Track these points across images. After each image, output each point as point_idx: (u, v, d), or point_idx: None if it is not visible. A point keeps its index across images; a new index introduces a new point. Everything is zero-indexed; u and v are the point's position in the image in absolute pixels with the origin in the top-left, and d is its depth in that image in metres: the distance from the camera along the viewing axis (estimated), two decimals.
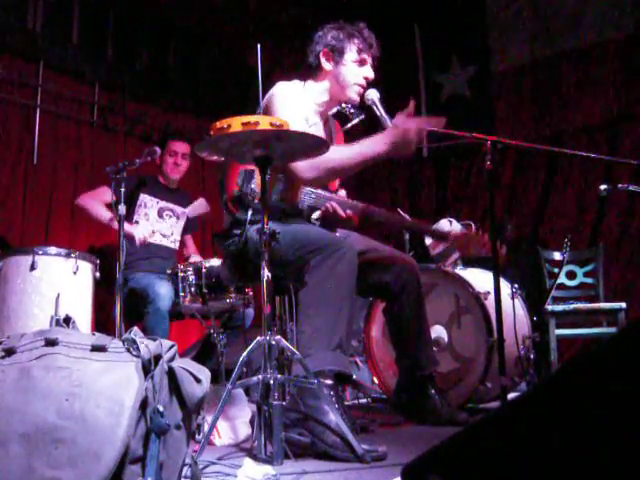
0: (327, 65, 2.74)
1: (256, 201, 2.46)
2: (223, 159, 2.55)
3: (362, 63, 2.72)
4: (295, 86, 2.73)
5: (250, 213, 2.47)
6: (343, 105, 2.73)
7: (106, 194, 3.82)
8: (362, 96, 2.69)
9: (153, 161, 3.76)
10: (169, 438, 1.46)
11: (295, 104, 2.58)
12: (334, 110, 2.77)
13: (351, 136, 2.99)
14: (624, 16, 5.47)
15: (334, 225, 2.67)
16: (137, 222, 3.89)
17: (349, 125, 2.78)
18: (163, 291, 3.38)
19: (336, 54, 2.71)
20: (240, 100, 5.52)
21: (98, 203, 3.82)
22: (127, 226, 3.46)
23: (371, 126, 2.77)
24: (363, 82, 2.71)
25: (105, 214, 3.77)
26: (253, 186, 2.52)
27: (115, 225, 3.69)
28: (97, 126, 4.93)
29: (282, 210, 2.51)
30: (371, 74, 2.73)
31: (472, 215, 5.30)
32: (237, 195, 2.52)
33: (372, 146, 2.44)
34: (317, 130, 2.66)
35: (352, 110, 2.72)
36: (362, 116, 2.67)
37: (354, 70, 2.71)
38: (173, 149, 4.03)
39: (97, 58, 4.94)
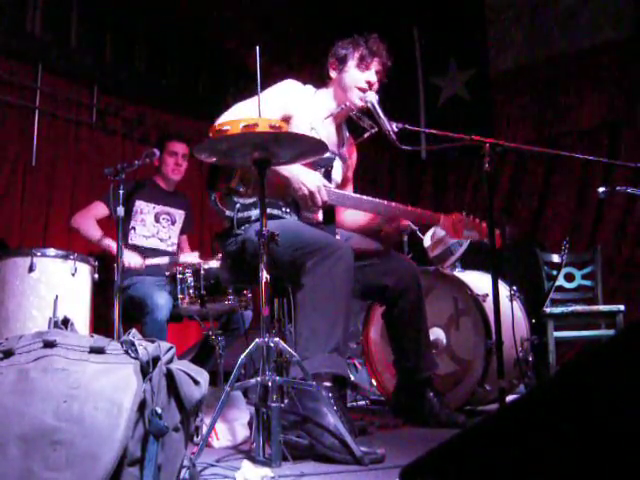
0: (333, 73, 2.84)
1: (244, 197, 2.51)
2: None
3: (364, 69, 2.75)
4: (298, 87, 2.78)
5: (237, 207, 2.49)
6: (349, 103, 2.74)
7: (100, 209, 3.83)
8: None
9: (151, 163, 3.76)
10: (167, 440, 1.46)
11: (274, 98, 2.61)
12: (338, 109, 2.78)
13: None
14: (622, 18, 5.48)
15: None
16: (134, 228, 3.89)
17: (361, 138, 2.81)
18: (162, 302, 3.37)
19: (340, 62, 2.80)
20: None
21: (90, 222, 3.82)
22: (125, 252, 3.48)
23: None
24: (364, 86, 2.74)
25: (96, 234, 3.79)
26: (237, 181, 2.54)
27: (105, 244, 3.71)
28: (96, 128, 4.94)
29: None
30: (373, 78, 2.76)
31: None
32: (224, 193, 2.53)
33: (284, 169, 2.53)
34: (322, 134, 2.67)
35: (360, 115, 2.74)
36: (375, 130, 2.69)
37: (355, 75, 2.76)
38: (173, 150, 4.01)
39: (96, 60, 4.94)
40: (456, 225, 2.79)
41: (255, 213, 2.50)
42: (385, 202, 2.73)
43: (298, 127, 2.60)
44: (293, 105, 2.69)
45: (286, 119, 2.64)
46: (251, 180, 2.54)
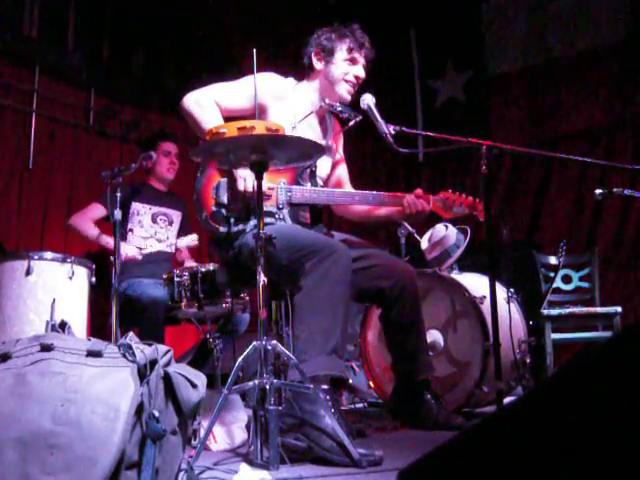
0: (318, 65, 2.80)
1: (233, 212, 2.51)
2: (197, 176, 2.58)
3: (353, 62, 2.75)
4: (276, 80, 2.75)
5: (233, 222, 2.49)
6: (328, 101, 2.73)
7: (97, 210, 3.83)
8: (356, 99, 2.71)
9: (146, 165, 3.77)
10: (165, 443, 1.45)
11: (248, 87, 2.54)
12: (317, 108, 2.77)
13: (348, 136, 3.02)
14: (618, 21, 5.50)
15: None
16: (131, 230, 3.89)
17: (347, 127, 2.79)
18: (159, 299, 3.37)
19: (327, 53, 2.77)
20: None
21: (88, 222, 3.82)
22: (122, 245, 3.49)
23: (369, 130, 2.78)
24: (353, 80, 2.74)
25: (93, 232, 3.80)
26: (229, 195, 2.53)
27: (103, 240, 3.71)
28: (93, 131, 4.93)
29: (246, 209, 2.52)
30: (361, 73, 2.76)
31: (467, 220, 5.32)
32: (215, 210, 2.53)
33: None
34: (305, 128, 2.67)
35: (339, 108, 2.72)
36: (359, 117, 2.68)
37: (343, 68, 2.75)
38: (167, 149, 4.03)
39: (93, 63, 4.94)
40: (446, 203, 2.78)
41: (250, 225, 2.50)
42: (374, 192, 2.74)
43: (275, 121, 2.55)
44: (268, 97, 2.65)
45: (260, 110, 2.64)
46: (219, 186, 2.55)
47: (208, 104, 2.58)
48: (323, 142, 2.80)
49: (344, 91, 2.74)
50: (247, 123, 2.01)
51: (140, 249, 3.78)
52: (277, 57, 5.29)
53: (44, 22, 4.60)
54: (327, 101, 2.73)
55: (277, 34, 5.67)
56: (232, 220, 2.51)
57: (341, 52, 2.75)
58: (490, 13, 6.27)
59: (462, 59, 6.40)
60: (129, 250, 3.68)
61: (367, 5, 5.56)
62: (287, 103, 2.71)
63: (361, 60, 2.77)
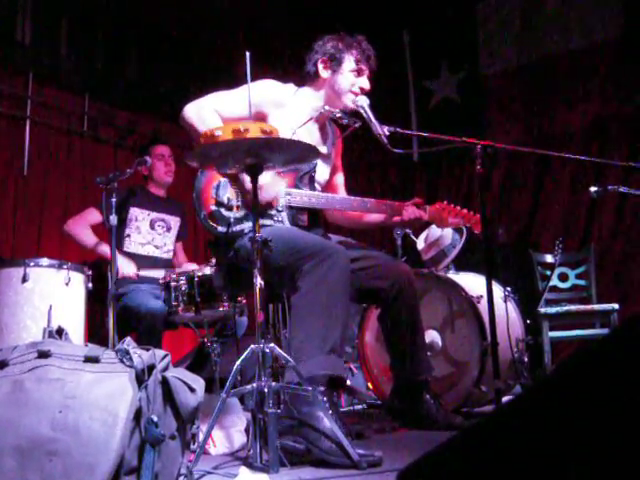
0: (324, 73, 2.80)
1: (234, 211, 2.50)
2: (198, 175, 2.59)
3: (359, 73, 2.77)
4: (277, 87, 2.75)
5: (232, 221, 2.50)
6: (327, 107, 2.74)
7: (93, 215, 3.80)
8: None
9: (141, 172, 3.76)
10: (164, 448, 1.45)
11: (247, 95, 2.50)
12: (316, 114, 2.78)
13: (347, 140, 3.03)
14: (612, 19, 5.51)
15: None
16: (129, 236, 3.87)
17: (345, 133, 2.81)
18: (157, 311, 3.36)
19: (334, 63, 2.78)
20: None
21: (85, 228, 3.79)
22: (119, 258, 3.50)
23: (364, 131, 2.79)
24: (358, 91, 2.76)
25: (91, 240, 3.75)
26: (229, 195, 2.53)
27: (101, 250, 3.69)
28: (87, 137, 4.93)
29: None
30: (367, 85, 2.78)
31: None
32: (214, 210, 2.53)
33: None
34: (304, 134, 2.67)
35: (339, 114, 2.74)
36: (358, 124, 2.69)
37: (350, 79, 2.76)
38: (160, 153, 4.01)
39: (86, 69, 4.94)
40: (441, 214, 2.81)
41: (248, 226, 2.50)
42: (372, 200, 2.75)
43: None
44: (268, 105, 2.66)
45: (261, 117, 2.64)
46: (241, 192, 2.55)
47: (208, 113, 2.58)
48: (322, 148, 2.81)
49: (349, 102, 2.75)
50: (241, 126, 2.01)
51: (139, 265, 3.76)
52: (272, 61, 5.30)
53: (37, 28, 4.59)
54: (327, 107, 2.74)
55: (271, 38, 5.67)
56: (231, 220, 2.51)
57: (349, 62, 2.76)
58: (484, 12, 6.28)
59: (456, 59, 6.41)
60: (126, 268, 3.65)
61: (360, 7, 5.56)
62: (287, 110, 2.71)
63: (366, 72, 2.79)
